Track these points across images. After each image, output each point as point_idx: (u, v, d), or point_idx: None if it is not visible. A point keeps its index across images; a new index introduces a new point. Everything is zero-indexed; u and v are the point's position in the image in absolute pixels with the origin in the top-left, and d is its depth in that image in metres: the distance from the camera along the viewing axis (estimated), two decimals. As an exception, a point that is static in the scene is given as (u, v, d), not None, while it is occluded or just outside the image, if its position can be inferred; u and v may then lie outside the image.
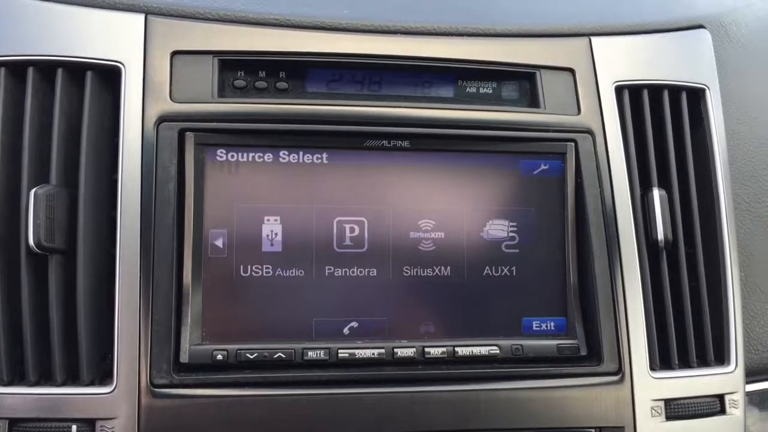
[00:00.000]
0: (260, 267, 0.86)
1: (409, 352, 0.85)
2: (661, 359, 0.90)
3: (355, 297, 0.87)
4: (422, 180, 0.90)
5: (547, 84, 0.95)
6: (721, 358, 0.93)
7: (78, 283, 0.81)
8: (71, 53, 0.86)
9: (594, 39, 0.98)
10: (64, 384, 0.80)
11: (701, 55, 1.04)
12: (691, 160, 0.97)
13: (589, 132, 0.93)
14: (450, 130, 0.90)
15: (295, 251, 0.87)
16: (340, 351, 0.84)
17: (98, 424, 0.79)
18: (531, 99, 0.95)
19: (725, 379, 0.91)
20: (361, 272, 0.87)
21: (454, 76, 0.95)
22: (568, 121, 0.93)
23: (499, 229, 0.91)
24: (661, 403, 0.87)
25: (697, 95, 1.01)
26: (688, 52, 1.03)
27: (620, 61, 0.99)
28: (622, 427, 0.86)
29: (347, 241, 0.88)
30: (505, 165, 0.92)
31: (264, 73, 0.91)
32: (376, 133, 0.89)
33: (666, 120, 0.97)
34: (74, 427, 0.78)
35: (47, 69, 0.86)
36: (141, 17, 0.89)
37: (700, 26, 1.07)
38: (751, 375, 0.95)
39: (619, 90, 0.96)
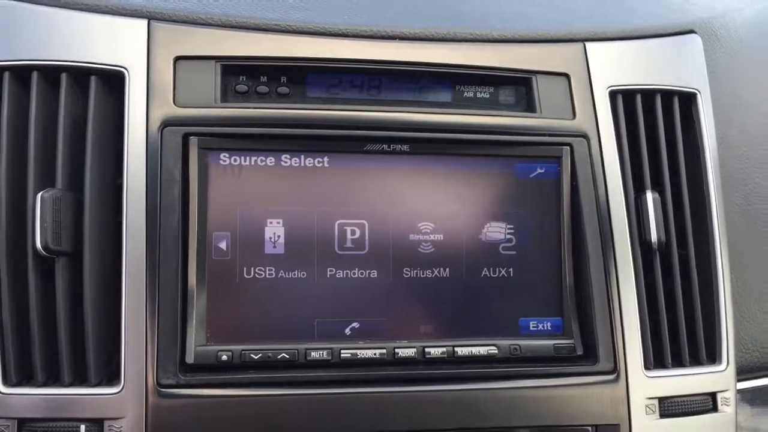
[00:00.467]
0: (263, 269, 0.87)
1: (409, 352, 0.87)
2: (655, 358, 0.92)
3: (357, 298, 0.89)
4: (421, 183, 0.91)
5: (542, 89, 0.97)
6: (712, 357, 0.95)
7: (85, 286, 0.83)
8: (75, 58, 0.88)
9: (588, 44, 1.00)
10: (71, 385, 0.82)
11: (692, 60, 1.06)
12: (683, 163, 0.99)
13: (584, 136, 0.95)
14: (448, 135, 0.92)
15: (297, 253, 0.88)
16: (342, 351, 0.85)
17: (106, 423, 0.80)
18: (527, 103, 0.97)
19: (717, 378, 0.93)
20: (362, 274, 0.89)
21: (451, 81, 0.97)
22: (564, 125, 0.95)
23: (496, 231, 0.92)
24: (656, 401, 0.90)
25: (688, 99, 1.03)
26: (679, 57, 1.05)
27: (614, 66, 1.01)
28: (618, 425, 0.88)
29: (348, 243, 0.90)
30: (502, 168, 0.94)
31: (265, 78, 0.93)
32: (376, 137, 0.90)
33: (659, 124, 0.99)
34: (83, 427, 0.79)
35: (51, 74, 0.87)
36: (144, 23, 0.91)
37: (691, 31, 1.09)
38: (742, 373, 0.97)
39: (613, 95, 0.98)
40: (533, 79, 0.97)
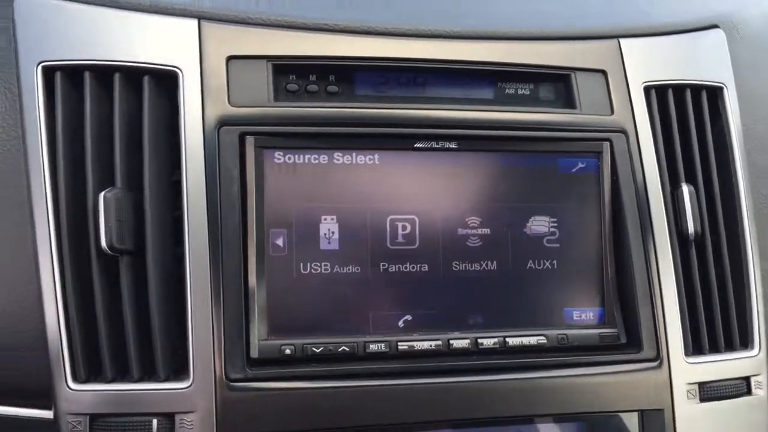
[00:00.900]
0: (319, 264, 0.90)
1: (463, 343, 0.90)
2: (693, 345, 0.97)
3: (409, 291, 0.92)
4: (468, 179, 0.94)
5: (581, 85, 1.00)
6: (745, 342, 1.00)
7: (149, 282, 0.85)
8: (127, 58, 0.89)
9: (622, 41, 1.03)
10: (140, 380, 0.84)
11: (718, 54, 1.10)
12: (713, 156, 1.03)
13: (623, 131, 0.98)
14: (493, 132, 0.95)
15: (351, 249, 0.91)
16: (399, 343, 0.89)
17: (177, 417, 0.82)
18: (567, 100, 1.00)
19: (750, 362, 0.98)
20: (413, 268, 0.92)
21: (493, 78, 1.00)
22: (603, 121, 0.98)
23: (540, 224, 0.96)
24: (696, 386, 0.94)
25: (714, 93, 1.07)
26: (706, 51, 1.09)
27: (646, 62, 1.04)
28: (662, 410, 0.92)
29: (400, 239, 0.92)
30: (544, 164, 0.97)
31: (314, 76, 0.95)
32: (426, 135, 0.93)
33: (689, 118, 1.03)
34: (155, 422, 0.82)
35: (104, 74, 0.88)
36: (194, 22, 0.92)
37: (715, 26, 1.12)
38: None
39: (647, 90, 1.01)
40: (572, 75, 1.00)
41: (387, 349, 0.88)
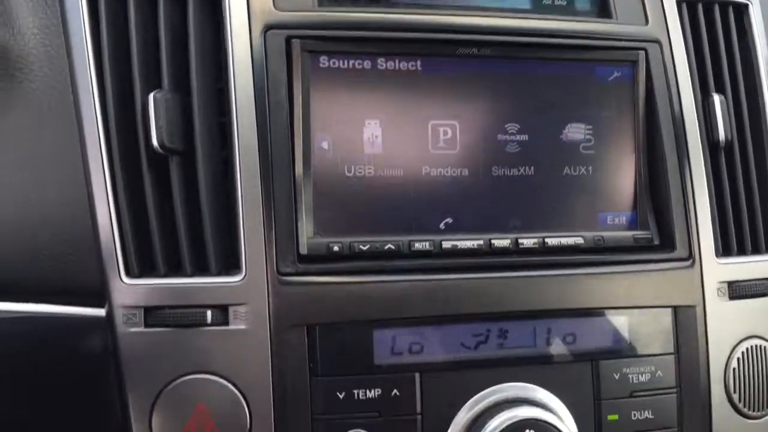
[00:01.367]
0: (363, 167, 0.92)
1: (504, 242, 0.93)
2: (723, 247, 1.00)
3: (450, 195, 0.94)
4: (507, 86, 0.96)
5: None
6: None
7: (199, 180, 0.86)
8: None
9: None
10: (193, 275, 0.86)
11: (745, -27, 1.11)
12: (740, 68, 1.05)
13: (657, 41, 1.00)
14: (533, 38, 0.96)
15: (394, 152, 0.93)
16: (443, 242, 0.91)
17: (231, 309, 0.85)
18: (602, 9, 1.02)
19: (776, 264, 1.02)
20: (454, 172, 0.94)
21: None
22: (638, 31, 1.00)
23: (576, 131, 0.98)
24: (725, 285, 0.98)
25: (740, 10, 1.09)
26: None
27: (678, -25, 1.05)
28: (694, 306, 0.96)
29: (441, 143, 0.94)
30: (581, 72, 0.99)
31: None
32: (467, 41, 0.94)
33: (718, 32, 1.05)
34: (209, 313, 0.84)
35: None
36: None
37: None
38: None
39: (679, 3, 1.03)
40: None
41: (431, 248, 0.91)
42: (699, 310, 0.96)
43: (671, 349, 0.95)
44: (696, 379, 0.95)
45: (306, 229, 0.89)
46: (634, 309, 0.94)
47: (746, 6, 1.09)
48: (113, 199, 0.85)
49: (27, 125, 0.92)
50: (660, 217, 0.99)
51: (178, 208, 0.86)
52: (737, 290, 0.98)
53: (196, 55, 0.88)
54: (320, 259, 0.89)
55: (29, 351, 0.91)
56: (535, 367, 0.91)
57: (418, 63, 0.94)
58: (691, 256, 0.97)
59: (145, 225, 0.86)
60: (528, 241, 0.93)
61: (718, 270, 0.98)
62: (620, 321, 0.94)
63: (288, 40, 0.90)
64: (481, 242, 0.92)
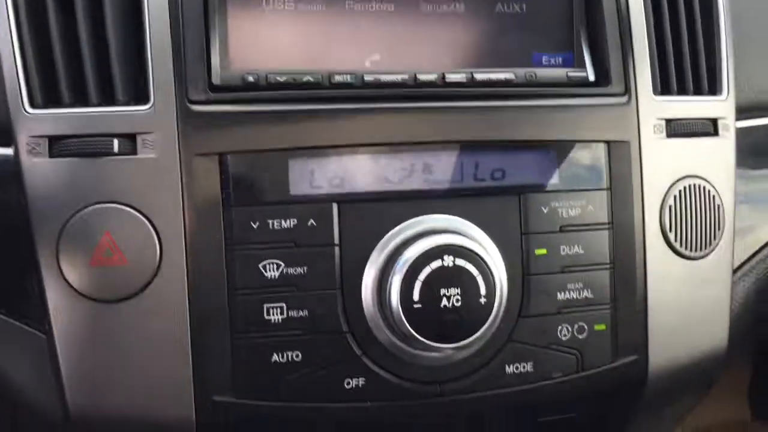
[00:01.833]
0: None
1: (430, 77, 0.89)
2: (662, 85, 0.96)
3: (375, 30, 0.90)
4: None
5: None
6: (713, 89, 1.00)
7: (105, 6, 0.82)
8: None
9: None
10: (99, 105, 0.82)
11: None
12: None
13: None
14: None
15: None
16: (365, 75, 0.87)
17: (139, 137, 0.81)
18: None
19: (717, 105, 0.98)
20: (379, 6, 0.90)
21: None
22: None
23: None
24: (663, 122, 0.94)
25: None
26: None
27: None
28: (628, 142, 0.92)
29: None
30: None
31: None
32: None
33: None
34: (116, 141, 0.80)
35: None
36: None
37: None
38: (740, 113, 1.02)
39: None
40: None
41: (353, 81, 0.87)
42: (634, 145, 0.92)
43: (604, 185, 0.91)
44: (630, 216, 0.92)
45: (221, 59, 0.85)
46: (565, 143, 0.90)
47: None
48: (15, 26, 0.81)
49: None
50: (596, 56, 0.95)
51: (82, 32, 0.82)
52: (675, 128, 0.95)
53: None
54: (234, 89, 0.84)
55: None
56: (460, 200, 0.88)
57: None
58: (627, 92, 0.93)
59: (49, 53, 0.82)
60: (456, 76, 0.89)
61: (656, 107, 0.94)
62: (551, 155, 0.90)
63: None
64: (406, 76, 0.88)
